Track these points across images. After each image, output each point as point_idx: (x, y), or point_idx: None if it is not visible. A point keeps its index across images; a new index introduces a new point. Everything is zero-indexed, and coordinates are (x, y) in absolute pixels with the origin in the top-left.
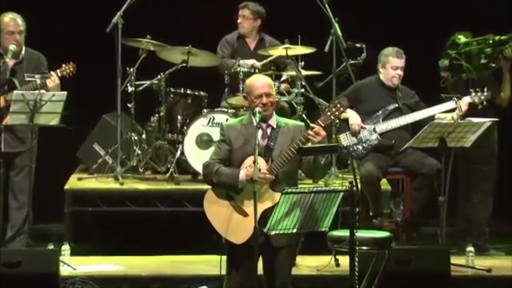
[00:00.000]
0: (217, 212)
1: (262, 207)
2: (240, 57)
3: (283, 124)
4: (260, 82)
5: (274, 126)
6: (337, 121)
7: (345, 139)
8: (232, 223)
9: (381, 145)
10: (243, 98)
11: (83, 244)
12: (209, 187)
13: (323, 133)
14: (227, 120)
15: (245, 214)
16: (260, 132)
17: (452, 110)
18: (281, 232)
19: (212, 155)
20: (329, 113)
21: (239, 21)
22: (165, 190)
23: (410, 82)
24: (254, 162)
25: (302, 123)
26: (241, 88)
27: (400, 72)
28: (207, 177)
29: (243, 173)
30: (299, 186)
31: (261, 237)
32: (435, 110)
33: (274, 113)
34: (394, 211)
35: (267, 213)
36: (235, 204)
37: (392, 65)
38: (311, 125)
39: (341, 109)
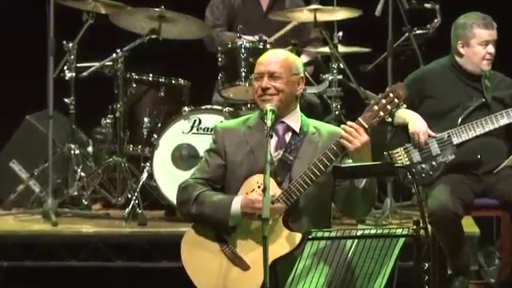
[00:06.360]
0: (202, 263)
1: (273, 254)
2: (244, 24)
3: (312, 128)
4: (267, 56)
5: (297, 130)
6: (389, 119)
7: (404, 156)
8: (227, 280)
9: (461, 162)
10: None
11: None
12: (189, 224)
13: (364, 135)
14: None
15: (244, 266)
16: (273, 138)
17: None
18: None
19: (195, 171)
20: (376, 108)
21: None
22: (124, 234)
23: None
24: (264, 189)
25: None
26: (242, 74)
27: (492, 49)
28: (183, 206)
29: (237, 203)
30: (335, 227)
31: None
32: None
33: (297, 109)
34: (484, 267)
35: (279, 264)
36: (229, 250)
37: (480, 40)
38: (348, 123)
39: (396, 100)
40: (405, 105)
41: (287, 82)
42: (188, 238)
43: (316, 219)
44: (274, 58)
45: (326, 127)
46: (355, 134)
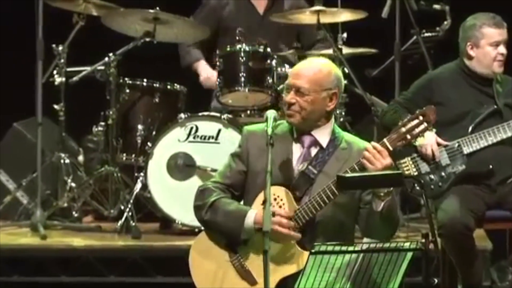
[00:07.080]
0: (208, 271)
1: (281, 272)
2: (236, 29)
3: (344, 143)
4: (298, 67)
5: (324, 145)
6: (417, 143)
7: (412, 166)
8: None
9: (472, 173)
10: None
11: None
12: (186, 237)
13: (387, 158)
14: (219, 130)
15: (251, 280)
16: (298, 150)
17: None
18: None
19: (217, 174)
20: (403, 130)
21: None
22: (117, 248)
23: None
24: (265, 201)
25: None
26: (242, 79)
27: (503, 49)
28: (198, 211)
29: (252, 216)
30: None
31: None
32: None
33: (329, 123)
34: (497, 283)
35: (290, 282)
36: (237, 262)
37: (490, 40)
38: (373, 144)
39: (425, 124)
40: (434, 130)
41: (314, 99)
42: (198, 244)
43: (333, 241)
44: (305, 71)
45: (358, 143)
46: (378, 157)
